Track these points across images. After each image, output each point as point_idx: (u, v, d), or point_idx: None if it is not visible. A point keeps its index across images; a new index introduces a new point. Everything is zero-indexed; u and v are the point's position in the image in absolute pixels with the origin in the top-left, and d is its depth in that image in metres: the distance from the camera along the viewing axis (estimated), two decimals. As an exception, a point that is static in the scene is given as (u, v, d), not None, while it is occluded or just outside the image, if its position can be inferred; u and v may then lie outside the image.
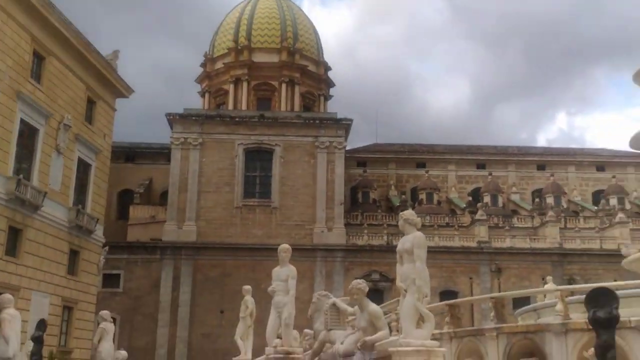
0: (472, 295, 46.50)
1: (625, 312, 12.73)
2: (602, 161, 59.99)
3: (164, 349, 46.63)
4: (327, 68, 61.29)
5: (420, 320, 9.60)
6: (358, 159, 58.94)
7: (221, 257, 48.43)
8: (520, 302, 29.29)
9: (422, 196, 56.55)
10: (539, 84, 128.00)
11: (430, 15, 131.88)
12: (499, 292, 45.98)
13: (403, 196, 56.38)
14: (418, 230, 10.02)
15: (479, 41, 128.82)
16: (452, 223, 53.28)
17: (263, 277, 29.73)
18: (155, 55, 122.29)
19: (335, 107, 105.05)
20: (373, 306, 10.91)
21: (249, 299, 17.46)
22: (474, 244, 50.68)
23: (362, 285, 11.00)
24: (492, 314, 13.71)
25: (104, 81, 38.82)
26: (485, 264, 50.53)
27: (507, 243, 50.91)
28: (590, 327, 11.73)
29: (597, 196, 57.55)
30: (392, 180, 59.07)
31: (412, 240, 9.80)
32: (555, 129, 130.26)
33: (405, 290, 9.65)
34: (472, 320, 44.98)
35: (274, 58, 57.34)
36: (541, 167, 59.71)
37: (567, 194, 57.65)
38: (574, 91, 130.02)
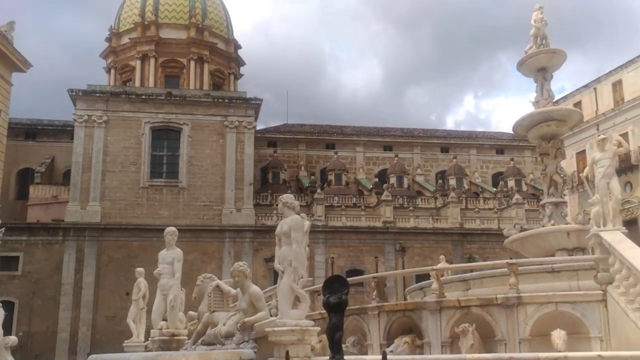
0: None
1: (489, 291, 13.56)
2: (501, 144, 62.66)
3: (66, 332, 45.39)
4: (237, 46, 60.69)
5: (297, 300, 9.91)
6: (269, 139, 59.00)
7: (126, 239, 47.45)
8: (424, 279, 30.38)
9: (331, 177, 57.35)
10: (449, 67, 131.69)
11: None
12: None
13: (312, 177, 56.93)
14: (297, 213, 10.27)
15: (391, 23, 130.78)
16: (359, 204, 54.31)
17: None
18: (60, 27, 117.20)
19: (249, 86, 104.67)
20: (254, 288, 11.13)
21: (141, 282, 17.33)
22: (379, 224, 51.92)
23: (244, 267, 11.19)
24: (375, 292, 14.21)
25: (-2, 54, 36.93)
26: (390, 243, 51.89)
27: (411, 223, 52.47)
28: (461, 305, 12.46)
29: (497, 178, 60.15)
30: (302, 161, 59.53)
31: (290, 223, 10.06)
32: (463, 112, 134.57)
33: (283, 272, 9.91)
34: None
35: (182, 34, 56.22)
36: (445, 149, 61.72)
37: (468, 175, 59.97)
38: (481, 75, 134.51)
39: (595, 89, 43.47)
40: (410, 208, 53.60)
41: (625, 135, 41.22)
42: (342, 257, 51.32)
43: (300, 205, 46.45)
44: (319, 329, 9.95)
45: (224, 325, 11.28)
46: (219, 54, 58.29)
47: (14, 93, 39.72)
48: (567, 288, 13.10)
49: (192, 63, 56.03)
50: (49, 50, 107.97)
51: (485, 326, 12.00)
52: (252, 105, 51.72)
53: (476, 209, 54.12)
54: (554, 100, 19.15)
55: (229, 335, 11.06)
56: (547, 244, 17.30)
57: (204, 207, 49.92)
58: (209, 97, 51.41)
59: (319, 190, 52.24)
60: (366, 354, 13.29)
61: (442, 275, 13.32)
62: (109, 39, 57.70)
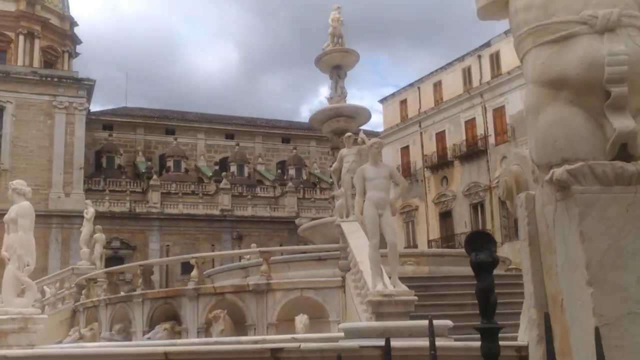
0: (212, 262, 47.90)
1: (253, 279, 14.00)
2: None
3: None
4: (74, 23, 57.74)
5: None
6: (104, 122, 56.80)
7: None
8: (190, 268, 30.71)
9: (170, 163, 56.35)
10: (305, 57, 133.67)
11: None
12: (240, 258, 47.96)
13: (149, 162, 55.62)
14: (27, 200, 10.00)
15: (248, 7, 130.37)
16: (197, 191, 53.85)
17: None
18: None
19: (93, 66, 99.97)
20: None
21: None
22: (217, 212, 51.82)
23: None
24: (140, 280, 14.21)
25: None
26: (227, 231, 51.99)
27: (249, 212, 52.89)
28: (217, 292, 12.75)
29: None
30: (139, 146, 57.91)
31: (17, 209, 9.77)
32: (317, 102, 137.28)
33: (9, 260, 9.64)
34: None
35: (10, 7, 52.44)
36: (286, 140, 62.70)
37: (307, 166, 61.36)
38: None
39: (419, 88, 46.02)
40: (249, 197, 53.99)
41: (442, 133, 44.07)
42: (178, 244, 50.67)
43: (136, 192, 45.16)
44: (46, 316, 9.79)
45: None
46: (52, 30, 55.07)
47: None
48: (332, 275, 13.83)
49: (22, 38, 52.50)
50: None
51: (239, 312, 12.39)
52: (84, 85, 49.46)
53: (312, 199, 55.56)
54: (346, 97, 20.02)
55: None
56: (331, 233, 18.15)
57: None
58: (37, 75, 48.43)
59: (154, 177, 51.17)
60: (130, 340, 13.27)
61: (203, 263, 13.55)
62: None
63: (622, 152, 2.89)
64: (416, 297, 9.13)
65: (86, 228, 23.15)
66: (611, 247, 2.69)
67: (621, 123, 2.85)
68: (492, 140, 41.19)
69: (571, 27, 2.93)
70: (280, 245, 44.56)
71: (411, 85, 47.14)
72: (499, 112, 40.60)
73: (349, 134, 13.05)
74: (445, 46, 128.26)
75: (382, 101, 52.43)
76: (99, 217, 48.15)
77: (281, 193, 55.04)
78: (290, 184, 54.55)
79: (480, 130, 41.87)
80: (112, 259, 41.76)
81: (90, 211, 23.51)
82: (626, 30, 2.91)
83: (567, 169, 2.80)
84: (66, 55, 56.67)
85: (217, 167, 57.99)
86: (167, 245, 49.96)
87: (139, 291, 13.71)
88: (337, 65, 19.95)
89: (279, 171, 59.34)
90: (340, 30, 20.04)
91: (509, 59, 38.62)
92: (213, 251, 53.60)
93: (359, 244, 10.74)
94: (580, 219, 2.74)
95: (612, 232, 2.71)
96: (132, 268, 20.98)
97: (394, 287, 8.92)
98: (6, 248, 9.67)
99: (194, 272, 12.73)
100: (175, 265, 45.78)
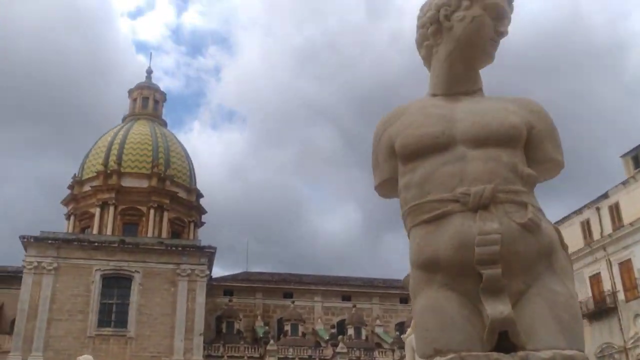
0: None
1: None
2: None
3: None
4: (199, 195, 62.05)
5: None
6: (225, 287, 58.56)
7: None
8: None
9: (287, 327, 56.34)
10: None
11: (322, 143, 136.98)
12: None
13: (267, 327, 55.94)
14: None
15: (370, 169, 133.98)
16: (314, 356, 53.01)
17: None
18: (43, 171, 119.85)
19: (216, 231, 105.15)
20: None
21: None
22: (334, 378, 50.40)
23: None
24: None
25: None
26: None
27: (367, 376, 51.01)
28: None
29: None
30: (258, 310, 58.68)
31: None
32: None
33: None
34: None
35: (143, 183, 57.60)
36: (404, 300, 61.16)
37: (427, 327, 58.98)
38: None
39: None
40: (366, 360, 52.32)
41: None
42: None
43: (254, 357, 45.30)
44: None
45: None
46: (179, 202, 59.42)
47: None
48: None
49: (152, 211, 56.91)
50: (29, 193, 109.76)
51: None
52: (206, 253, 51.93)
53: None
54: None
55: None
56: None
57: (151, 358, 48.48)
58: (162, 244, 51.68)
59: (271, 342, 51.19)
60: None
61: None
62: (71, 187, 58.98)
63: (506, 340, 2.50)
64: None
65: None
66: None
67: (494, 309, 2.51)
68: (621, 296, 38.16)
69: (444, 206, 2.71)
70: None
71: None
72: (626, 265, 37.89)
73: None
74: (559, 199, 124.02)
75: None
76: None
77: (400, 356, 52.81)
78: (408, 347, 52.38)
79: (607, 286, 39.05)
80: None
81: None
82: (503, 207, 2.64)
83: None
84: (192, 225, 60.41)
85: (334, 330, 57.20)
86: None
87: None
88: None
89: (398, 333, 57.41)
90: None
91: (630, 210, 36.89)
92: (331, 420, 51.62)
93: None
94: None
95: None
96: None
97: None
98: None
99: None
100: None
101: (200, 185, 63.74)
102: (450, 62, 3.08)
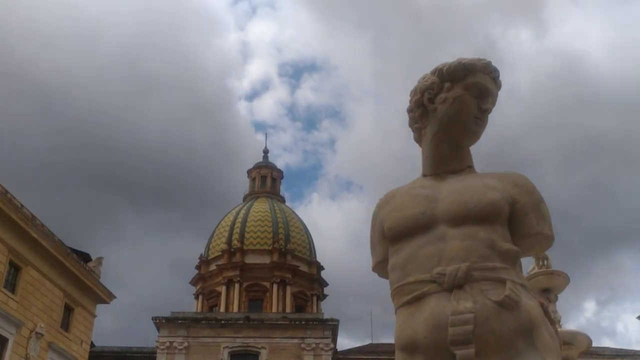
0: None
1: None
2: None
3: None
4: (320, 268, 62.64)
5: None
6: (351, 360, 57.88)
7: None
8: None
9: (417, 400, 54.47)
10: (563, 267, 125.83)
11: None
12: None
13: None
14: None
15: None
16: None
17: None
18: (173, 253, 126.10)
19: (341, 302, 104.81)
20: None
21: None
22: None
23: None
24: None
25: (84, 288, 40.39)
26: None
27: None
28: None
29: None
30: (386, 383, 57.32)
31: None
32: (584, 319, 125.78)
33: None
34: None
35: (265, 259, 59.12)
36: None
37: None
38: (600, 278, 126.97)
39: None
40: None
41: None
42: None
43: None
44: None
45: None
46: (301, 276, 60.26)
47: (101, 320, 42.85)
48: None
49: (275, 286, 58.04)
50: (163, 273, 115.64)
51: None
52: (329, 326, 51.85)
53: None
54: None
55: None
56: None
57: None
58: (286, 319, 52.24)
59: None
60: None
61: None
62: (198, 267, 61.60)
63: None
64: None
65: None
66: None
67: (469, 390, 2.44)
68: None
69: (423, 287, 2.72)
70: None
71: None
72: None
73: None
74: None
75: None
76: None
77: None
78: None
79: None
80: None
81: None
82: (478, 285, 2.60)
83: None
84: (314, 298, 60.83)
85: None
86: None
87: None
88: (545, 289, 18.74)
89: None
90: (545, 252, 19.15)
91: None
92: None
93: None
94: None
95: None
96: None
97: None
98: None
99: None
100: None
101: (323, 256, 64.63)
102: (435, 142, 3.16)
